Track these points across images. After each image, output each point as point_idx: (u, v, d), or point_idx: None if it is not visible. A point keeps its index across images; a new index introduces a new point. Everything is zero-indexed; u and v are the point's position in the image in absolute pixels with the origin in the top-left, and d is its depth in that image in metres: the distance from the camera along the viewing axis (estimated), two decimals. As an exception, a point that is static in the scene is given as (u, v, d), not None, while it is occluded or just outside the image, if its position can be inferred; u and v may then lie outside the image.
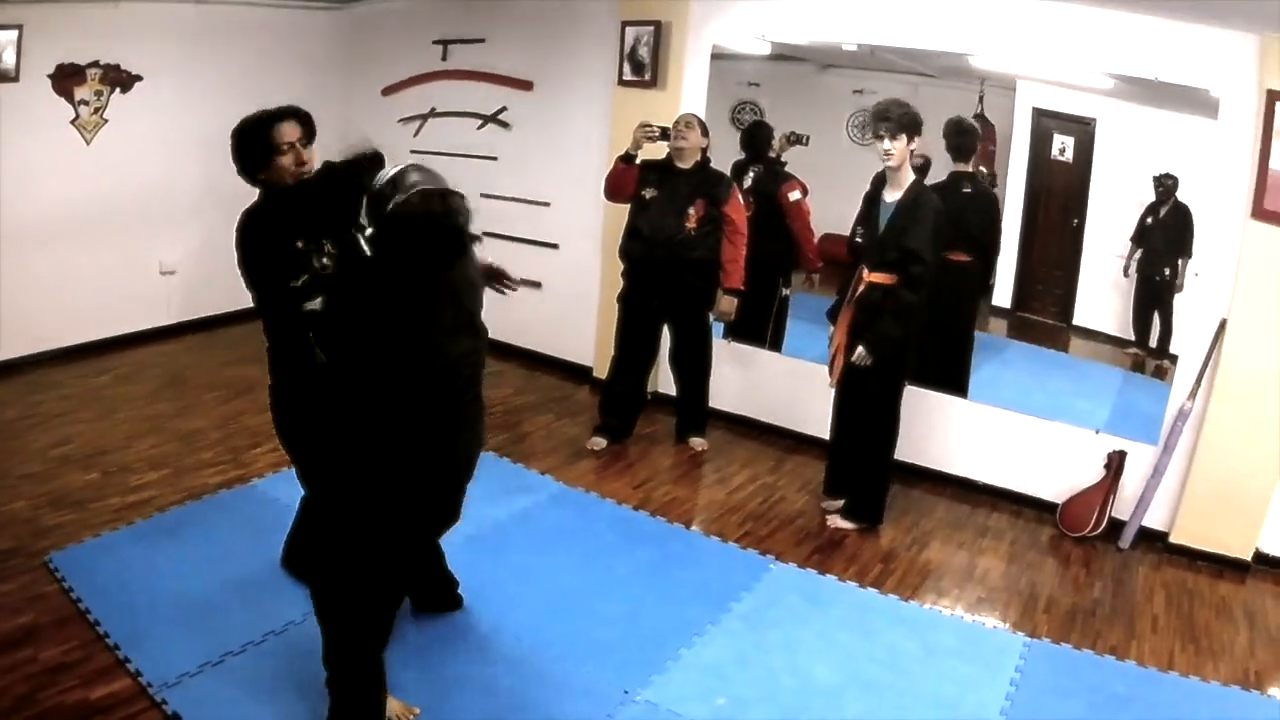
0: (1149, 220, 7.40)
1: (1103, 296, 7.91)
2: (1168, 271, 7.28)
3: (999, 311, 8.45)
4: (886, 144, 5.75)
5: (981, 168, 7.64)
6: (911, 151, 5.82)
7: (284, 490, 6.01)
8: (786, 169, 7.85)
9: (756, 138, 8.03)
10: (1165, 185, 7.17)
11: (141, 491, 6.04)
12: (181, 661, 4.42)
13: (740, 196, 7.01)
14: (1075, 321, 8.19)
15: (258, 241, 4.31)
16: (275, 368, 4.50)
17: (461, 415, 3.91)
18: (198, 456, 6.58)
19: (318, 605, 3.95)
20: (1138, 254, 7.52)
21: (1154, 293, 7.48)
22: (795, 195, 7.58)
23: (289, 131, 4.28)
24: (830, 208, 6.92)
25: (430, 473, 3.86)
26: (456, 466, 3.99)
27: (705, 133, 6.87)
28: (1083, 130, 7.74)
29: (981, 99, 7.76)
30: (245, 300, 9.06)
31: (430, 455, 3.82)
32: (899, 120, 5.71)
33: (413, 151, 9.03)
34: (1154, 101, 7.08)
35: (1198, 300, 6.28)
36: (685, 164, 6.81)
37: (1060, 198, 7.96)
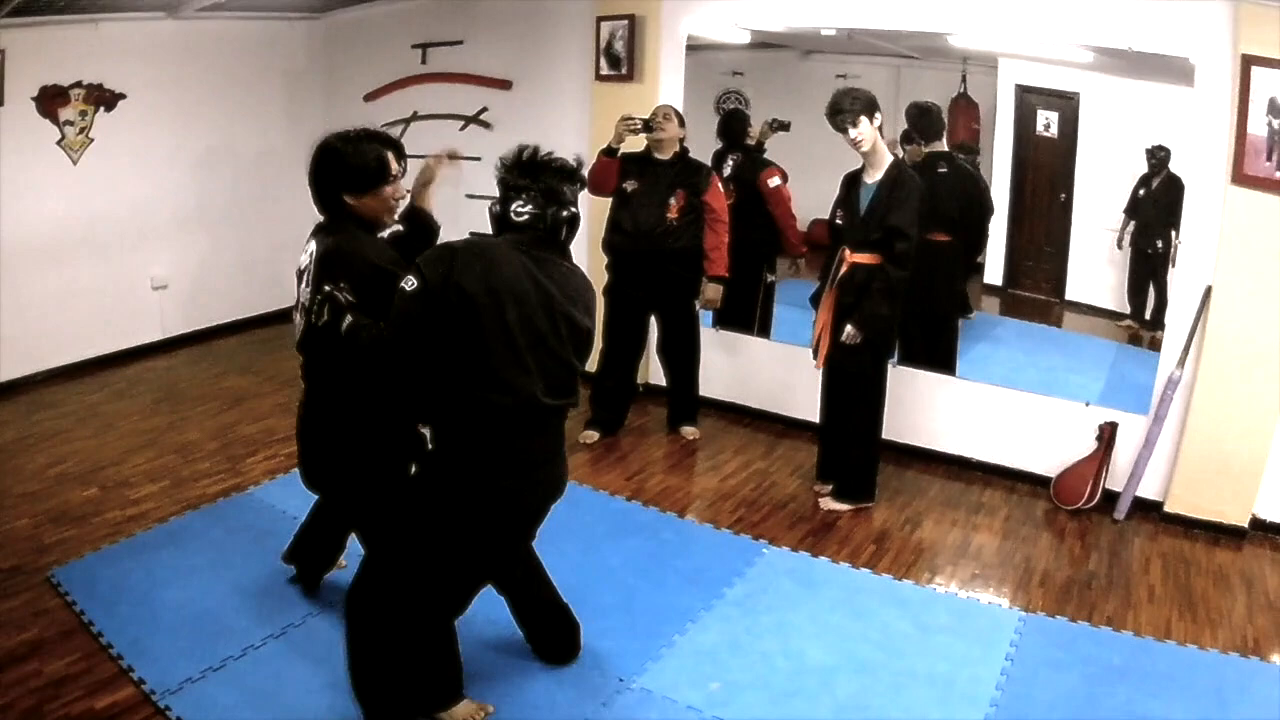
0: (1141, 192, 7.40)
1: (1095, 270, 7.92)
2: (1160, 243, 7.28)
3: (991, 289, 8.44)
4: (852, 132, 5.82)
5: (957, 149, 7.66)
6: (879, 129, 5.88)
7: (280, 497, 6.13)
8: (767, 156, 7.90)
9: (733, 126, 8.12)
10: (1158, 157, 7.17)
11: (140, 504, 6.09)
12: (184, 668, 4.47)
13: (720, 185, 7.05)
14: (1068, 296, 8.18)
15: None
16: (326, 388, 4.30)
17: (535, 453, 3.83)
18: (194, 468, 6.62)
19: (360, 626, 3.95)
20: (1130, 226, 7.53)
21: (1148, 265, 7.48)
22: (774, 181, 7.61)
23: (395, 163, 4.12)
24: (818, 193, 6.92)
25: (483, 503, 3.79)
26: (513, 507, 3.88)
27: (682, 123, 6.92)
28: (1066, 105, 7.75)
29: (964, 78, 7.77)
30: (237, 312, 9.17)
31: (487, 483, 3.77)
32: (853, 108, 5.78)
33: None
34: (1135, 73, 7.08)
35: (1183, 268, 6.31)
36: (664, 155, 6.88)
37: (1047, 173, 7.96)
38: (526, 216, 3.78)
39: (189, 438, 7.10)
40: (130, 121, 8.32)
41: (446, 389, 3.65)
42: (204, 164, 8.95)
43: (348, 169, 4.02)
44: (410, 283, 3.54)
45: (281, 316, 9.63)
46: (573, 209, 3.84)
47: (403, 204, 4.25)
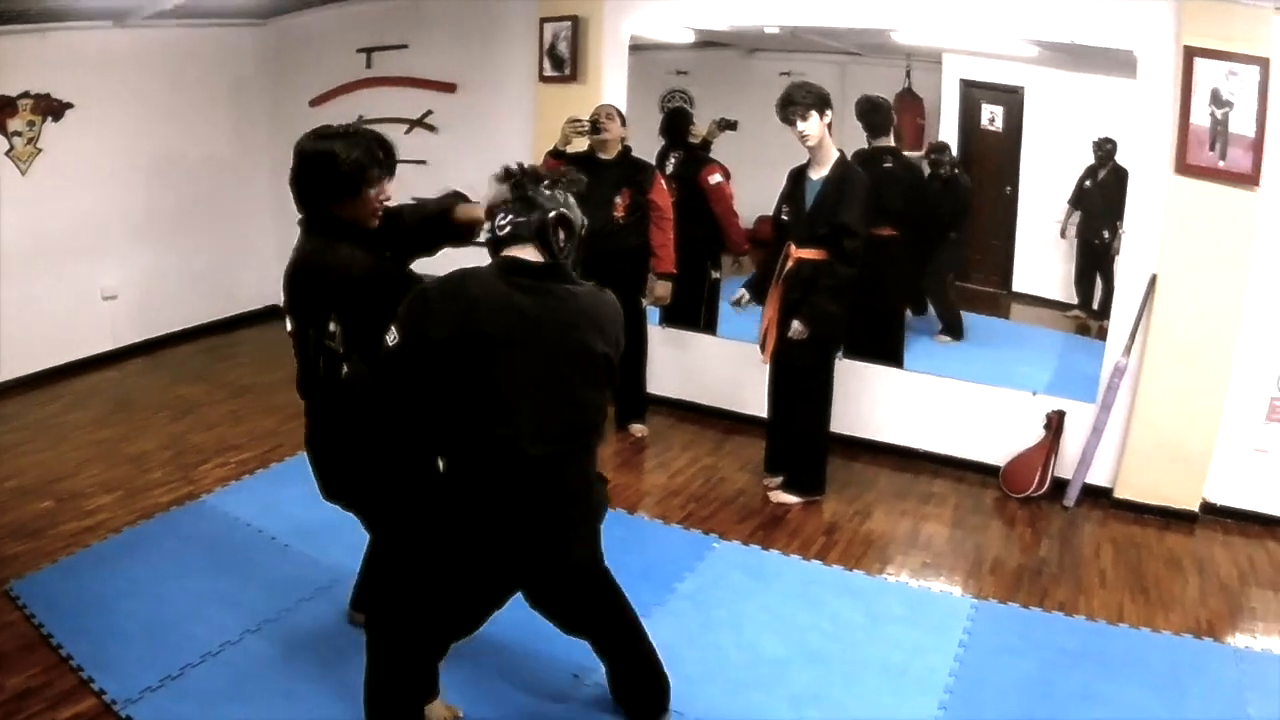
0: (1087, 183, 7.46)
1: (1042, 262, 7.98)
2: (1106, 234, 7.34)
3: (938, 282, 8.51)
4: (800, 125, 5.85)
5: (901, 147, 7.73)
6: (829, 126, 5.91)
7: (232, 504, 6.16)
8: (710, 154, 7.91)
9: (675, 124, 8.14)
10: (1105, 149, 7.23)
11: (96, 515, 6.05)
12: (143, 677, 4.46)
13: (664, 182, 7.10)
14: (1015, 288, 8.23)
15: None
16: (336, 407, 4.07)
17: (517, 501, 3.51)
18: (148, 477, 6.58)
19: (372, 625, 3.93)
20: (1076, 217, 7.59)
21: (1095, 255, 7.54)
22: (715, 179, 7.64)
23: (381, 163, 3.94)
24: (764, 190, 6.95)
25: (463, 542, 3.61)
26: (496, 555, 3.61)
27: (623, 123, 6.96)
28: (1011, 99, 7.80)
29: (909, 74, 7.82)
30: (187, 320, 9.12)
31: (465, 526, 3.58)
32: (805, 101, 5.81)
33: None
34: (1079, 66, 7.15)
35: (1128, 257, 6.40)
36: (608, 155, 6.90)
37: (992, 167, 8.00)
38: (509, 228, 3.63)
39: (142, 447, 7.07)
40: (79, 131, 8.26)
41: (438, 426, 3.54)
42: (153, 172, 8.90)
43: (336, 174, 3.82)
44: (392, 335, 3.43)
45: (232, 324, 9.63)
46: (559, 210, 3.63)
47: (391, 204, 4.05)
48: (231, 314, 9.66)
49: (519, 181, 3.66)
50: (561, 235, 3.63)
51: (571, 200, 3.72)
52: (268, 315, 9.81)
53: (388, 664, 3.82)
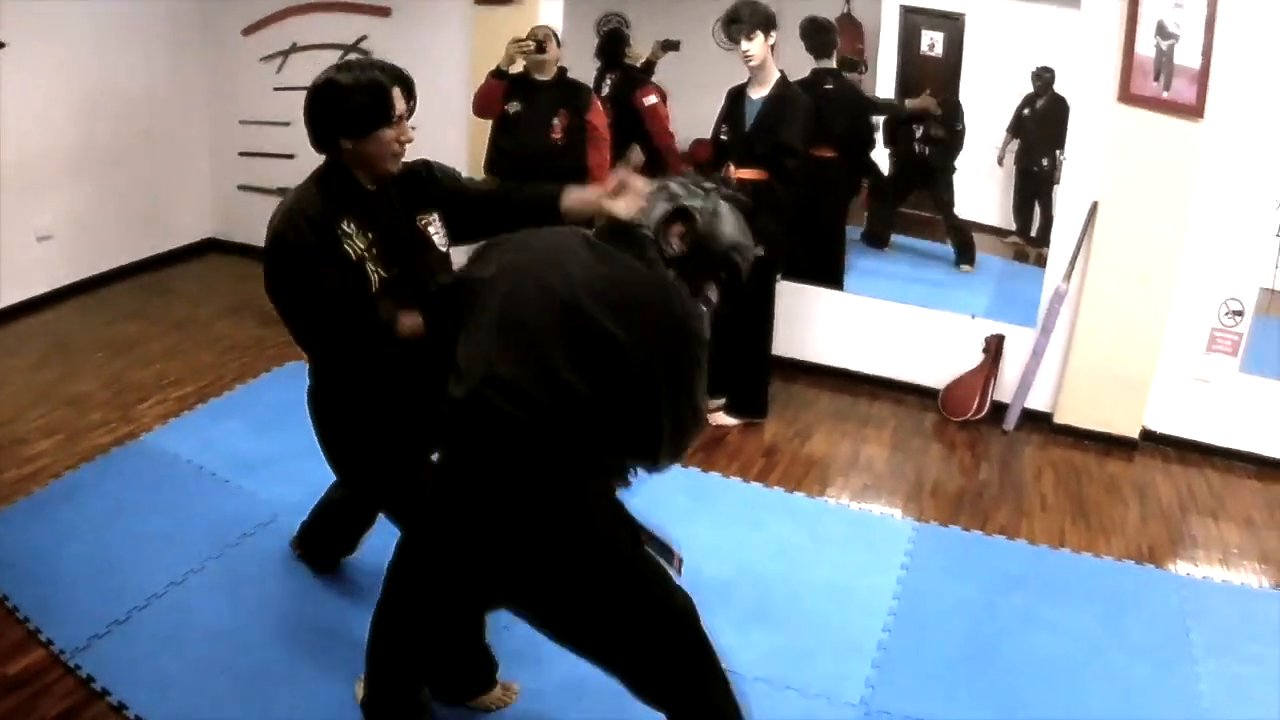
0: (1025, 112, 7.51)
1: (979, 188, 8.02)
2: (1045, 162, 7.40)
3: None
4: (744, 45, 5.86)
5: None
6: (772, 47, 5.91)
7: (173, 441, 6.07)
8: (652, 76, 7.95)
9: (611, 46, 8.16)
10: (1043, 78, 7.27)
11: (36, 461, 5.94)
12: (90, 624, 4.40)
13: (600, 104, 7.06)
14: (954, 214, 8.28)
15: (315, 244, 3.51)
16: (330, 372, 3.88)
17: (459, 476, 3.06)
18: (87, 419, 6.47)
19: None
20: (1014, 145, 7.63)
21: (1034, 183, 7.60)
22: (651, 100, 7.64)
23: (400, 101, 3.61)
24: (702, 113, 6.95)
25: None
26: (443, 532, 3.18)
27: (559, 45, 6.90)
28: (952, 26, 7.81)
29: (848, -1, 7.84)
30: (124, 257, 8.95)
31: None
32: (750, 20, 5.80)
33: (275, 89, 8.84)
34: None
35: (1068, 184, 6.46)
36: (545, 75, 6.84)
37: (932, 93, 8.01)
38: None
39: (81, 389, 6.93)
40: (12, 69, 7.99)
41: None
42: (86, 108, 8.69)
43: (345, 108, 3.50)
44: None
45: (169, 258, 9.47)
46: (683, 204, 3.09)
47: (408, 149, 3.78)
48: (168, 248, 9.51)
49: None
50: (676, 229, 3.10)
51: (723, 210, 3.19)
52: (204, 248, 9.68)
53: (400, 628, 3.66)
